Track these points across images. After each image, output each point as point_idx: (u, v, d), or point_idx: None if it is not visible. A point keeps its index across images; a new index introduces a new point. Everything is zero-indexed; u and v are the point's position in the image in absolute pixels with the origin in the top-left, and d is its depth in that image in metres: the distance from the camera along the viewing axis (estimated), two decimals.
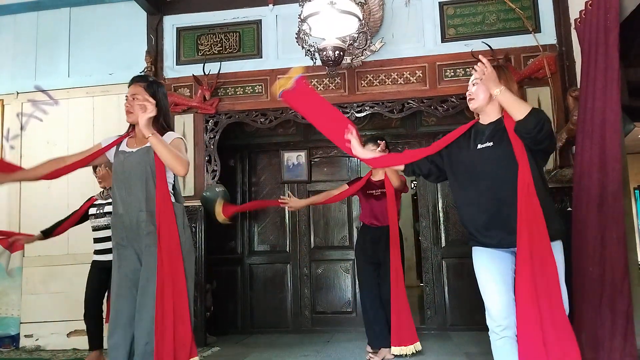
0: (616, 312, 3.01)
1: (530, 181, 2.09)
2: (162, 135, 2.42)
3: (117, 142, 2.49)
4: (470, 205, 2.23)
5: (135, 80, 2.51)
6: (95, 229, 3.59)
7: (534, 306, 2.02)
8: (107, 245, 3.26)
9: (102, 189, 3.65)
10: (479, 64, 2.16)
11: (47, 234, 3.70)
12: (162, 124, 2.46)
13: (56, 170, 2.42)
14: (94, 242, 3.60)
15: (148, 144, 2.40)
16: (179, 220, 2.40)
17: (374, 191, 3.79)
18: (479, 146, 2.22)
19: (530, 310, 2.02)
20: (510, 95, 2.12)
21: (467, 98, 2.29)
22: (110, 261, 2.53)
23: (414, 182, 6.40)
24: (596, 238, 3.13)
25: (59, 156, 2.49)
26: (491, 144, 2.20)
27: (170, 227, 2.33)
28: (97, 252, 3.58)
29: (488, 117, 2.27)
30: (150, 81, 2.52)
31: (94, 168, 3.54)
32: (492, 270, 2.19)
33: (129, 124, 2.52)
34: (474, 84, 2.27)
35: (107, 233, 3.32)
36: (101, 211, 3.57)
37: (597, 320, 3.01)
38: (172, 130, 2.55)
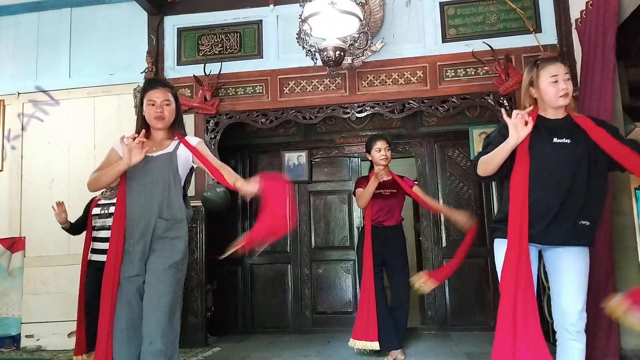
0: (600, 311, 3.02)
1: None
2: (182, 137, 2.49)
3: None
4: (534, 199, 2.17)
5: (160, 84, 2.51)
6: (98, 228, 3.57)
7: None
8: (107, 245, 3.25)
9: (105, 189, 3.64)
10: None
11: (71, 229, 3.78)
12: (182, 128, 2.55)
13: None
14: (93, 241, 3.59)
15: (169, 149, 2.45)
16: (186, 227, 2.47)
17: (382, 191, 3.75)
18: (555, 140, 2.17)
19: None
20: None
21: (562, 93, 2.19)
22: None
23: (415, 181, 6.39)
24: None
25: (97, 173, 2.44)
26: (569, 141, 2.17)
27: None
28: (95, 251, 3.55)
29: (558, 112, 2.25)
30: (172, 86, 2.58)
31: None
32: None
33: (141, 127, 2.50)
34: (568, 79, 2.21)
35: (109, 234, 3.31)
36: (105, 211, 3.56)
37: None
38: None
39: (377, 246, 3.73)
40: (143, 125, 2.50)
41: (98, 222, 3.59)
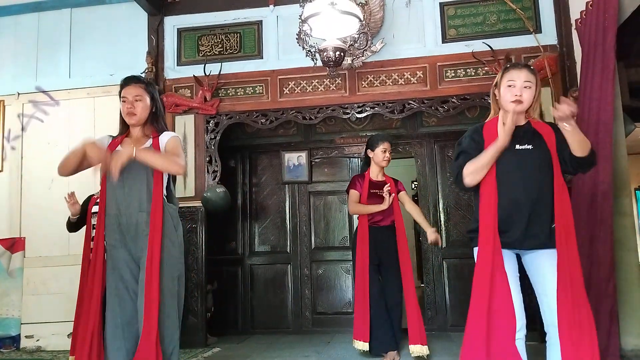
0: (600, 312, 3.02)
1: (565, 186, 2.18)
2: (159, 134, 2.46)
3: (115, 147, 2.47)
4: (505, 206, 2.21)
5: (133, 80, 2.51)
6: None
7: (575, 307, 2.09)
8: None
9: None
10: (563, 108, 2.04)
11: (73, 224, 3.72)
12: (160, 125, 2.51)
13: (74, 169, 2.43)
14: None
15: (146, 145, 2.43)
16: (172, 221, 2.42)
17: (377, 191, 3.76)
18: (518, 147, 2.21)
19: (572, 311, 2.09)
20: (579, 131, 2.11)
21: (513, 99, 2.21)
22: None
23: (414, 183, 6.39)
24: (585, 237, 3.13)
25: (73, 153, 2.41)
26: (530, 147, 2.21)
27: (160, 228, 2.35)
28: None
29: (519, 119, 2.27)
30: (147, 82, 2.56)
31: None
32: (507, 272, 2.19)
33: (122, 125, 2.54)
34: (526, 87, 2.23)
35: None
36: None
37: None
38: (167, 129, 2.58)
39: (373, 246, 3.73)
40: (123, 123, 2.53)
41: None
